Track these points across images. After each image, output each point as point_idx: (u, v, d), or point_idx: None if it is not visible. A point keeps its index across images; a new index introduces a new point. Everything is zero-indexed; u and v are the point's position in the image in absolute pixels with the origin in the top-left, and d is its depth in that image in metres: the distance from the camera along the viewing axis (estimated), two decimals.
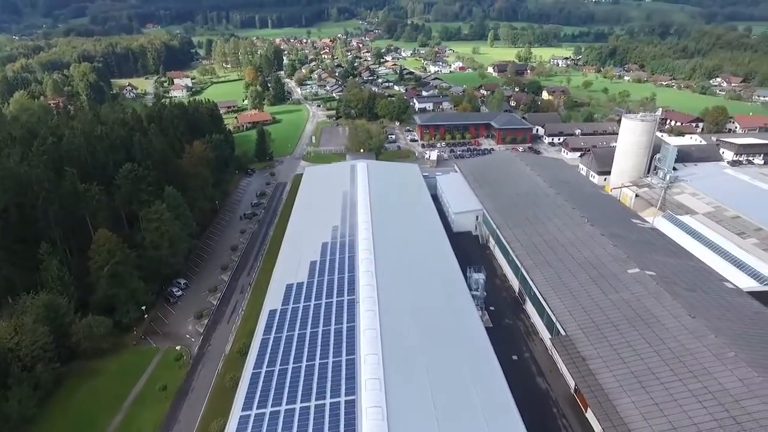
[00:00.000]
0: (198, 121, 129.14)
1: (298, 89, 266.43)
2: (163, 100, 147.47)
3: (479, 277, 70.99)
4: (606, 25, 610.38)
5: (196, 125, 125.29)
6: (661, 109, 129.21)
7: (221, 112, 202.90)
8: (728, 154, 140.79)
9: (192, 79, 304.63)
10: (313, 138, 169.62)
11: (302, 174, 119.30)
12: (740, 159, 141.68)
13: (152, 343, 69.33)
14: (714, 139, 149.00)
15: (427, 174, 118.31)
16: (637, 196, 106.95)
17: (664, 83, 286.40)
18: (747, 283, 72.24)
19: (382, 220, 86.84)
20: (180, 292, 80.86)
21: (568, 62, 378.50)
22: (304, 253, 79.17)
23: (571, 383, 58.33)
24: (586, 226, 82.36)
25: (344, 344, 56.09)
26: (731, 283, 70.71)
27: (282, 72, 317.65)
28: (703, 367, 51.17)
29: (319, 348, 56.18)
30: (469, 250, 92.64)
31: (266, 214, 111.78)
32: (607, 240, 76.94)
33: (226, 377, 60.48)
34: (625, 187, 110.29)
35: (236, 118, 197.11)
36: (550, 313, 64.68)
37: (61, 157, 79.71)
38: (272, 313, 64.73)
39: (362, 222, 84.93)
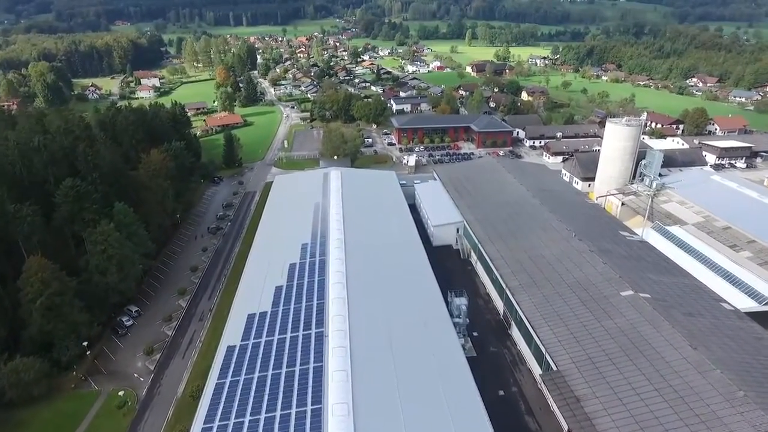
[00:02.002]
0: (158, 127, 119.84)
1: (272, 90, 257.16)
2: (118, 105, 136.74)
3: (461, 302, 64.83)
4: (582, 25, 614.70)
5: (155, 131, 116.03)
6: (645, 113, 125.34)
7: (190, 114, 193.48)
8: (710, 158, 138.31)
9: (161, 78, 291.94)
10: (286, 142, 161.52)
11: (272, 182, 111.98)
12: (722, 162, 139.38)
13: (94, 385, 61.05)
14: (696, 141, 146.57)
15: (404, 182, 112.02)
16: (623, 204, 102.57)
17: (642, 83, 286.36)
18: (745, 303, 67.89)
19: (357, 236, 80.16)
20: (131, 322, 72.57)
21: (546, 62, 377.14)
22: (269, 276, 71.95)
23: (564, 424, 52.61)
24: (573, 240, 77.08)
25: (310, 390, 49.21)
26: (729, 303, 66.11)
27: (255, 72, 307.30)
28: (711, 410, 45.85)
29: (281, 395, 49.13)
30: (450, 265, 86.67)
31: (232, 228, 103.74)
32: (596, 257, 71.71)
33: (176, 429, 52.84)
34: (610, 195, 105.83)
35: (204, 120, 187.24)
36: (539, 343, 58.85)
37: None
38: (230, 350, 57.37)
39: (334, 239, 78.14)
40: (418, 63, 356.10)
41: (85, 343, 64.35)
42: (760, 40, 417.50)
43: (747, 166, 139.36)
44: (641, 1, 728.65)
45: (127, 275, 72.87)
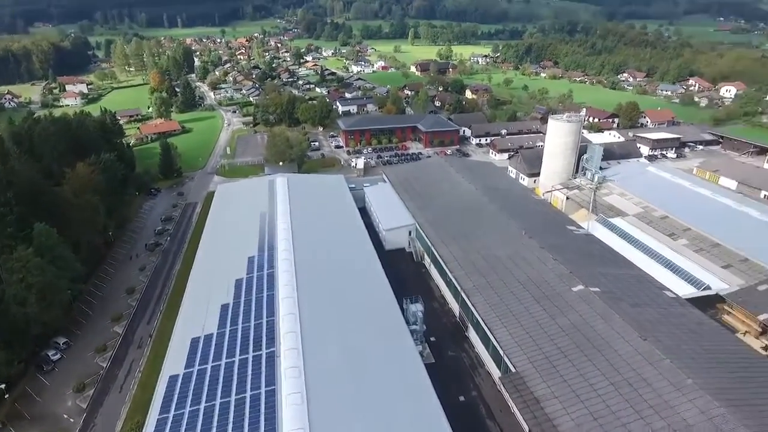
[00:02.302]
0: (85, 137, 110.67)
1: (212, 94, 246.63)
2: (36, 115, 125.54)
3: (417, 309, 63.30)
4: (519, 23, 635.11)
5: (82, 142, 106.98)
6: (585, 109, 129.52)
7: (122, 121, 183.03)
8: (644, 149, 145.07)
9: (88, 84, 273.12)
10: (228, 149, 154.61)
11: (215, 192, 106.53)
12: (655, 153, 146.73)
13: None
14: (631, 134, 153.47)
15: (353, 186, 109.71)
16: (568, 198, 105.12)
17: (578, 79, 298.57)
18: (685, 290, 70.72)
19: (306, 245, 77.04)
20: (58, 356, 65.70)
21: (488, 60, 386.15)
22: (214, 294, 67.61)
23: (526, 426, 52.22)
24: (524, 238, 77.68)
25: (262, 419, 45.91)
26: (671, 291, 68.68)
27: (193, 75, 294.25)
28: (663, 400, 46.79)
29: (230, 427, 45.51)
30: (403, 269, 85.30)
31: (172, 243, 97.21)
32: (547, 254, 72.49)
33: None
34: (555, 190, 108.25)
35: (139, 128, 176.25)
36: (496, 345, 58.36)
37: None
38: (173, 380, 52.92)
39: (283, 250, 74.68)
40: (363, 63, 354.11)
41: (2, 385, 57.47)
42: (681, 37, 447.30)
43: (677, 156, 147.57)
44: (573, 0, 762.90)
45: (51, 304, 65.98)
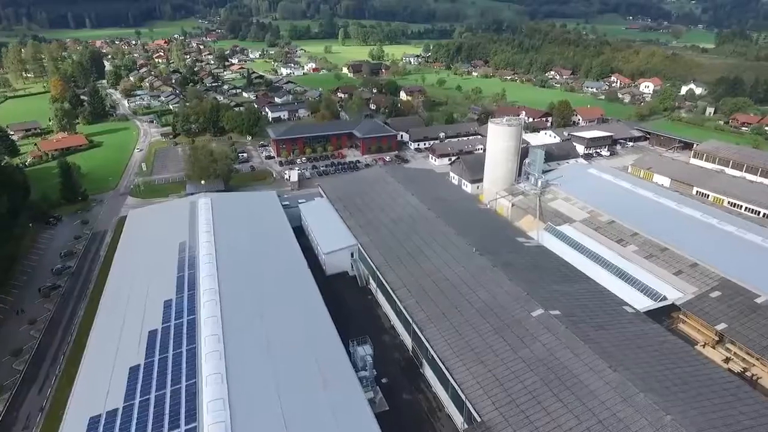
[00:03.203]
0: None
1: (126, 102, 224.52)
2: None
3: (366, 352, 55.57)
4: (447, 23, 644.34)
5: None
6: (523, 111, 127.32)
7: (16, 137, 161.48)
8: (579, 148, 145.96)
9: None
10: (144, 165, 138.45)
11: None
12: (590, 152, 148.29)
13: None
14: (565, 133, 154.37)
15: (287, 203, 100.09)
16: (513, 205, 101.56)
17: (508, 78, 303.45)
18: (643, 303, 68.14)
19: (235, 282, 67.01)
20: None
21: (420, 60, 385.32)
22: (122, 352, 56.21)
23: None
24: (475, 256, 72.07)
25: None
26: (629, 306, 65.60)
27: (104, 81, 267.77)
28: None
29: None
30: (347, 297, 77.28)
31: (74, 285, 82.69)
32: (501, 273, 67.20)
33: None
34: (500, 198, 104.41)
35: (36, 144, 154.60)
36: (457, 389, 51.77)
37: None
38: None
39: (206, 290, 64.29)
40: (292, 65, 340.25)
41: None
42: (598, 35, 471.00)
43: (610, 154, 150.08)
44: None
45: None
